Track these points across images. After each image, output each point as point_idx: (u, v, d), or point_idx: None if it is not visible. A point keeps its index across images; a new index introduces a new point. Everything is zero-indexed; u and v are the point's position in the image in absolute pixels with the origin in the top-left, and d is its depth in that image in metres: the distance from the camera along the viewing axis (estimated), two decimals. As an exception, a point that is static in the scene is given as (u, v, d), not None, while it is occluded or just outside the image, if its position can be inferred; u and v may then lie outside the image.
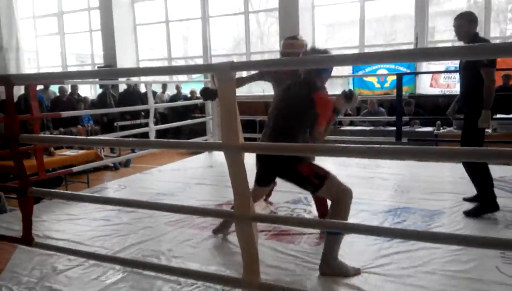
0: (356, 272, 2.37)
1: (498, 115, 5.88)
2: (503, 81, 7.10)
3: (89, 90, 12.38)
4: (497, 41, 8.71)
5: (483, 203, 3.26)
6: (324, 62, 1.56)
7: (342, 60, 1.60)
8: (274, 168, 2.47)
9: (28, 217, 1.91)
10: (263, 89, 9.31)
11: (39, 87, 8.83)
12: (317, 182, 2.33)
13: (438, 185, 4.07)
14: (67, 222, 3.40)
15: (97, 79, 8.51)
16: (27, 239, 1.91)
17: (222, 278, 1.63)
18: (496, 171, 4.52)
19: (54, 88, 9.68)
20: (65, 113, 4.53)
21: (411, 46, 8.35)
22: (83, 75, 2.55)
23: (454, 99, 3.70)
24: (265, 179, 2.67)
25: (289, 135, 2.40)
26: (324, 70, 2.53)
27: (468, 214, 3.23)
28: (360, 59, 1.49)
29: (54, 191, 2.23)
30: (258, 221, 1.46)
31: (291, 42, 3.27)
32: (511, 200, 3.54)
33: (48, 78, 2.42)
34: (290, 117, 2.45)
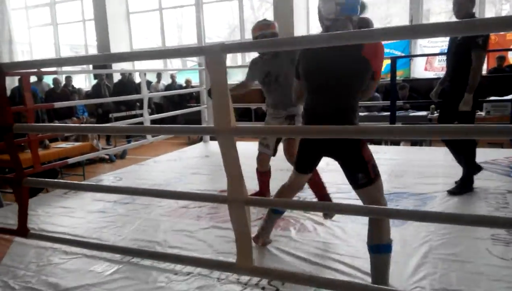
0: None
1: (492, 98, 5.90)
2: (497, 63, 7.09)
3: (83, 82, 12.32)
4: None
5: (465, 182, 3.39)
6: (319, 41, 1.48)
7: (341, 37, 1.45)
8: (335, 144, 2.02)
9: (23, 208, 1.92)
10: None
11: (33, 79, 8.79)
12: (372, 175, 1.99)
13: (431, 169, 4.10)
14: (63, 215, 3.42)
15: (91, 68, 8.48)
16: (22, 230, 1.92)
17: (216, 263, 1.65)
18: (489, 154, 4.57)
19: (48, 81, 9.64)
20: (58, 104, 4.51)
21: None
22: (76, 61, 2.54)
23: (438, 81, 3.72)
24: (311, 161, 2.24)
25: (349, 112, 2.02)
26: (356, 9, 2.07)
27: (451, 193, 3.36)
28: (357, 37, 1.36)
29: (49, 180, 2.22)
30: (251, 205, 1.46)
31: (267, 23, 3.09)
32: (503, 183, 3.58)
33: (41, 65, 2.40)
34: (343, 90, 2.02)
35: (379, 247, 1.98)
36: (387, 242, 2.00)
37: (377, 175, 2.01)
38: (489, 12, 8.66)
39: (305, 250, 2.55)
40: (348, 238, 2.65)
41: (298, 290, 2.10)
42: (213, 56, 1.31)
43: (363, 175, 1.98)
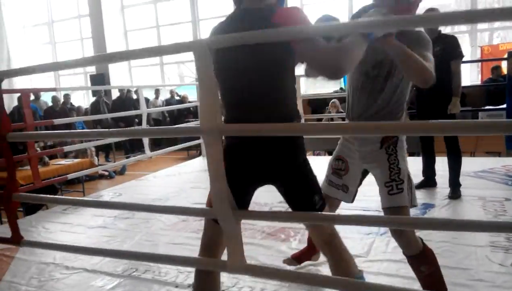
0: None
1: (487, 107, 5.97)
2: (495, 73, 7.12)
3: (82, 100, 12.38)
4: (485, 32, 8.80)
5: (456, 186, 3.61)
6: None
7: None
8: (275, 164, 1.54)
9: (13, 218, 1.92)
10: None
11: (30, 98, 8.85)
12: (322, 195, 1.62)
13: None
14: (63, 231, 3.43)
15: (89, 85, 8.54)
16: (16, 239, 1.93)
17: (209, 262, 1.63)
18: (487, 162, 4.61)
19: (45, 99, 9.70)
20: (58, 121, 4.54)
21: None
22: (73, 65, 2.56)
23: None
24: (240, 194, 1.51)
25: (269, 107, 1.50)
26: None
27: (453, 197, 3.53)
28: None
29: (38, 195, 2.20)
30: (240, 218, 1.41)
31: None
32: (501, 191, 3.62)
33: (38, 71, 2.40)
34: (264, 80, 1.48)
35: None
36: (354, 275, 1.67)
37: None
38: (481, 23, 8.78)
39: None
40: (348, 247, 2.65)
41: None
42: (200, 52, 1.30)
43: (319, 195, 1.57)
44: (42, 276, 2.57)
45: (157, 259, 2.18)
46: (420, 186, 3.83)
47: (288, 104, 1.53)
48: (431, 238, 2.67)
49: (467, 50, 8.37)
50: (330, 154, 6.38)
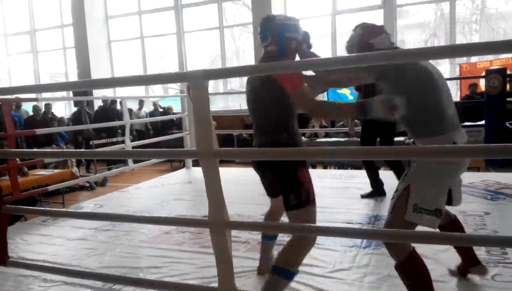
0: None
1: (466, 123, 6.10)
2: (471, 89, 7.34)
3: (63, 110, 12.21)
4: (464, 52, 9.07)
5: (375, 189, 4.05)
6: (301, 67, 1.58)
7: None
8: (274, 170, 2.05)
9: (2, 235, 1.89)
10: (240, 103, 9.40)
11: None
12: (302, 197, 1.97)
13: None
14: (42, 243, 3.35)
15: (71, 95, 8.47)
16: (1, 258, 1.89)
17: (198, 289, 1.64)
18: (466, 177, 4.67)
19: (26, 108, 9.54)
20: (40, 131, 4.47)
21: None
22: (57, 87, 2.55)
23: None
24: (271, 187, 2.27)
25: (270, 132, 2.09)
26: (286, 36, 2.14)
27: (364, 196, 4.02)
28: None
29: (29, 208, 2.19)
30: (232, 228, 1.47)
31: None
32: (480, 205, 3.68)
33: (21, 91, 2.39)
34: (263, 114, 2.11)
35: (280, 270, 1.95)
36: (289, 267, 1.96)
37: (309, 200, 1.98)
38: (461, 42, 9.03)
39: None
40: (332, 260, 2.67)
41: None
42: (196, 82, 1.34)
43: (293, 194, 1.97)
44: (20, 289, 2.50)
45: (146, 284, 2.16)
46: None
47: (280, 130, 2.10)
48: (419, 252, 2.69)
49: (446, 67, 8.59)
50: (314, 167, 6.40)
